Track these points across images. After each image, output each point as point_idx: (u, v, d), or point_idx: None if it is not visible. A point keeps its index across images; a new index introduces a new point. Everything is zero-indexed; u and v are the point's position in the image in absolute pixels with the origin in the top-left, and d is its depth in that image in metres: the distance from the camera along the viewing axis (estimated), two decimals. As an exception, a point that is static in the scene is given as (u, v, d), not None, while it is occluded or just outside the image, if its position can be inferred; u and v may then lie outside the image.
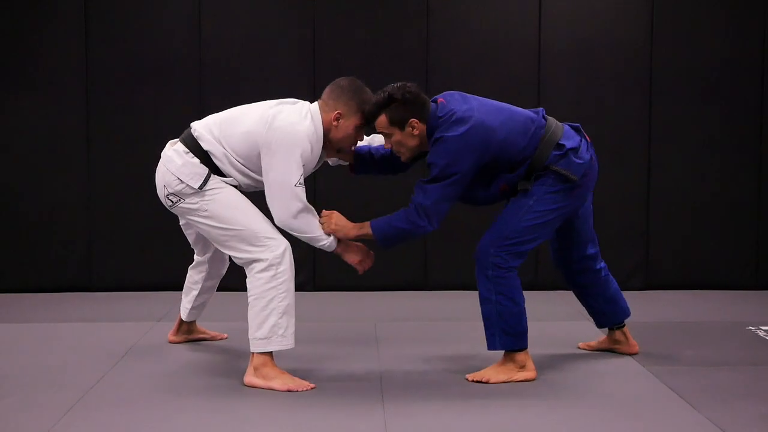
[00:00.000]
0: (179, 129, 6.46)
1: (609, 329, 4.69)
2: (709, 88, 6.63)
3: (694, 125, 6.65)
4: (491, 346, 4.20)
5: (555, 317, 5.70)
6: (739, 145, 6.67)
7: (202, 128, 4.20)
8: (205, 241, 4.56)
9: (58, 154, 6.49)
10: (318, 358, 4.52)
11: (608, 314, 4.62)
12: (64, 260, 6.55)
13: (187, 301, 4.74)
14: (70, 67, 6.46)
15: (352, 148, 4.33)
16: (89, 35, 6.46)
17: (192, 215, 4.17)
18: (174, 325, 4.94)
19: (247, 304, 4.06)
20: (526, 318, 4.24)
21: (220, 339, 4.91)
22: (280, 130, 4.00)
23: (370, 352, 4.66)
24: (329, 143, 4.19)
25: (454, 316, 5.72)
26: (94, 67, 6.47)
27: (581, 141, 4.27)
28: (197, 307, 4.77)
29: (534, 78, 6.60)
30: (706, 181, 6.69)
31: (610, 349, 4.70)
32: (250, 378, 4.04)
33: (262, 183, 4.12)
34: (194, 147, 4.16)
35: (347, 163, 4.48)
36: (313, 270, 6.63)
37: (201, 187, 4.11)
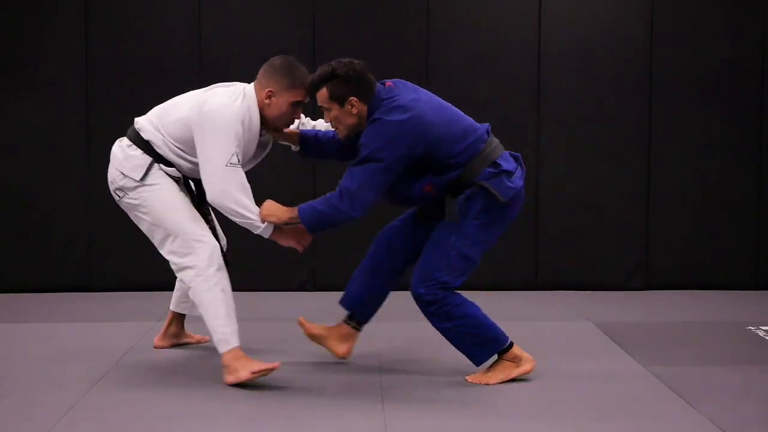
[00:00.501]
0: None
1: (349, 322, 4.41)
2: (709, 88, 6.63)
3: (694, 125, 6.65)
4: (477, 361, 4.18)
5: (554, 317, 5.69)
6: (739, 145, 6.67)
7: (143, 120, 4.30)
8: None
9: (58, 154, 6.49)
10: (318, 358, 4.52)
11: (365, 307, 4.43)
12: (64, 260, 6.55)
13: (176, 289, 4.75)
14: (71, 67, 6.46)
15: (291, 126, 4.33)
16: (89, 35, 6.46)
17: (135, 211, 4.27)
18: (162, 328, 4.86)
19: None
20: (488, 319, 4.19)
21: (204, 342, 4.85)
22: (210, 112, 4.04)
23: (370, 352, 4.66)
24: (266, 122, 4.21)
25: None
26: (94, 67, 6.47)
27: (517, 168, 4.20)
28: (186, 297, 4.70)
29: (534, 78, 6.60)
30: (706, 181, 6.69)
31: (321, 337, 4.40)
32: (226, 378, 4.10)
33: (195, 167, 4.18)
34: (136, 139, 4.26)
35: (296, 148, 4.44)
36: (313, 270, 6.63)
37: (142, 179, 4.18)
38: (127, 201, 4.26)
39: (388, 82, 4.14)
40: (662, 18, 6.59)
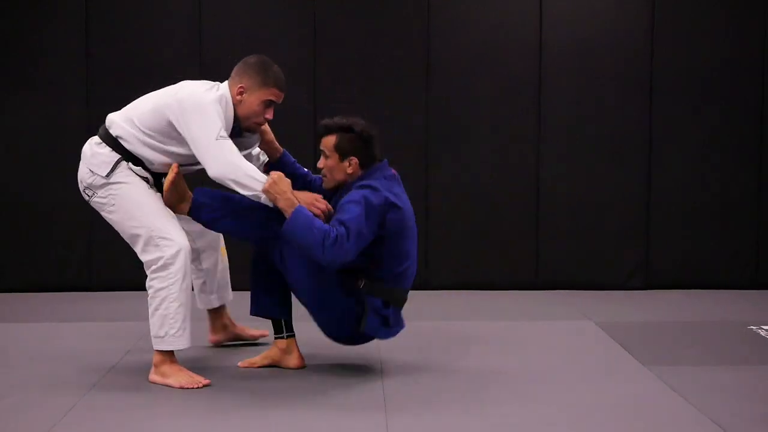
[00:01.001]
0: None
1: (279, 336, 4.37)
2: (709, 88, 6.62)
3: (695, 125, 6.64)
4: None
5: (555, 317, 5.69)
6: (740, 145, 6.66)
7: (114, 115, 4.29)
8: None
9: (58, 154, 6.48)
10: (319, 357, 4.52)
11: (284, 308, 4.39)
12: (64, 260, 6.54)
13: (194, 288, 4.69)
14: (71, 66, 6.46)
15: (261, 127, 4.31)
16: (90, 35, 6.45)
17: (103, 210, 4.24)
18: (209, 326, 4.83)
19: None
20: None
21: (264, 336, 4.81)
22: (187, 95, 4.06)
23: (371, 351, 4.65)
24: (238, 120, 4.17)
25: (454, 315, 5.71)
26: (94, 66, 6.46)
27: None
28: (205, 291, 4.70)
29: (535, 78, 6.59)
30: (707, 181, 6.68)
31: (273, 362, 4.40)
32: (151, 375, 4.11)
33: (176, 156, 4.15)
34: (105, 136, 4.24)
35: (266, 160, 4.49)
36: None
37: (108, 175, 4.15)
38: (96, 200, 4.22)
39: (394, 171, 4.22)
40: (663, 18, 6.59)
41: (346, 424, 3.57)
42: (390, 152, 6.54)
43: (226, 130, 4.07)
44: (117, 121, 4.24)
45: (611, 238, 6.69)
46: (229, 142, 3.99)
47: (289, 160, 4.46)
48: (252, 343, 4.81)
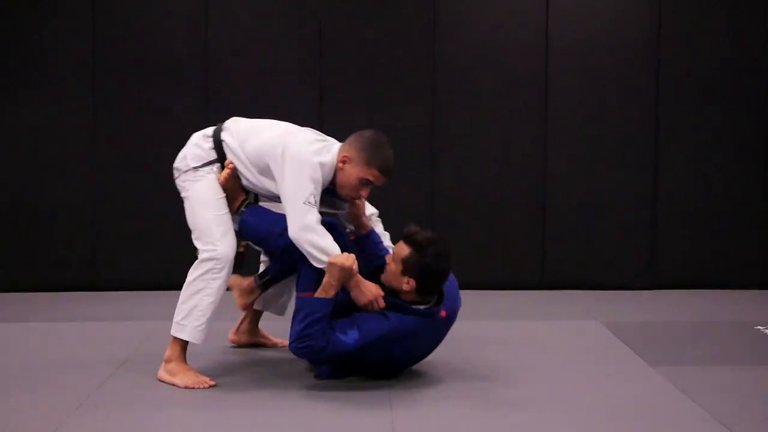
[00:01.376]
0: (184, 128, 6.47)
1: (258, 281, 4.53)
2: (714, 88, 6.61)
3: (699, 125, 6.63)
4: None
5: (561, 317, 5.68)
6: (744, 145, 6.65)
7: (233, 124, 4.28)
8: None
9: (62, 153, 6.49)
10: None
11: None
12: (68, 259, 6.54)
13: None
14: (76, 66, 6.46)
15: (357, 203, 4.27)
16: (95, 35, 6.45)
17: (181, 193, 4.29)
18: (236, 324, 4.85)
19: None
20: None
21: (281, 346, 4.78)
22: (293, 149, 4.00)
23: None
24: (335, 184, 4.13)
25: (459, 315, 5.67)
26: (99, 66, 6.46)
27: None
28: (268, 297, 4.69)
29: (540, 78, 6.58)
30: (712, 181, 6.67)
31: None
32: (159, 372, 4.13)
33: (264, 189, 4.19)
34: (215, 134, 4.26)
35: (351, 231, 4.37)
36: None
37: (196, 168, 4.21)
38: (178, 182, 4.29)
39: (444, 313, 4.15)
40: (668, 18, 6.58)
41: (352, 423, 3.56)
42: (395, 152, 6.57)
43: (323, 185, 4.03)
44: (231, 130, 4.24)
45: (617, 237, 6.68)
46: (314, 211, 3.95)
47: (374, 240, 4.36)
48: (268, 348, 4.82)
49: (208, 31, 6.50)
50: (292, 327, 3.93)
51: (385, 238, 4.53)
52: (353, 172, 4.04)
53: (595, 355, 4.70)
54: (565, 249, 6.66)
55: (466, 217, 6.64)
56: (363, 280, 4.00)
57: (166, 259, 6.47)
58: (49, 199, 6.51)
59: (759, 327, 5.33)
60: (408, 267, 3.94)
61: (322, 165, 4.01)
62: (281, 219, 4.05)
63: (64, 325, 5.44)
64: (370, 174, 4.04)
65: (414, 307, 4.00)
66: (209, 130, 4.30)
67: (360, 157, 4.02)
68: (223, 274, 4.10)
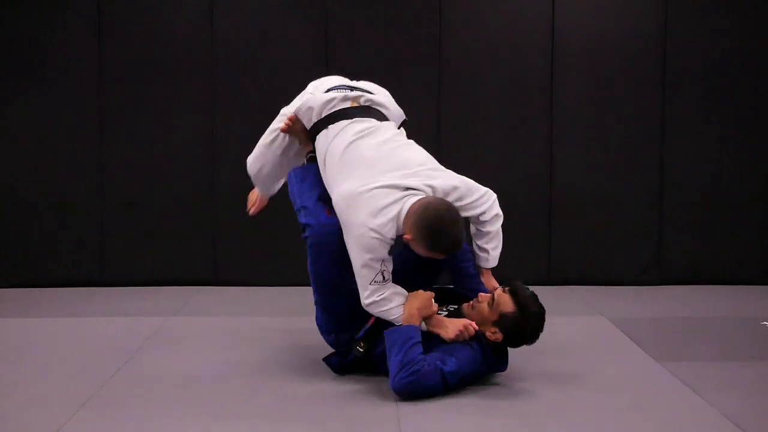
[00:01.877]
0: (191, 124, 6.53)
1: None
2: (722, 83, 6.59)
3: (707, 121, 6.62)
4: None
5: (567, 312, 5.68)
6: (753, 140, 6.63)
7: (335, 127, 4.20)
8: None
9: (70, 150, 6.50)
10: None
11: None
12: (77, 255, 6.56)
13: None
14: (83, 62, 6.47)
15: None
16: (102, 32, 6.46)
17: None
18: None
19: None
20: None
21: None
22: (353, 225, 3.87)
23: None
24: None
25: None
26: (106, 63, 6.47)
27: None
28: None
29: (547, 74, 6.57)
30: (719, 177, 6.65)
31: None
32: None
33: None
34: (315, 127, 4.27)
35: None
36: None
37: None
38: None
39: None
40: (676, 13, 6.56)
41: (357, 414, 3.57)
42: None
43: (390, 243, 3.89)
44: (320, 141, 4.22)
45: (623, 233, 6.67)
46: (381, 289, 3.88)
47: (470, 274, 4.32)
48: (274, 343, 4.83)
49: (214, 26, 6.50)
50: (390, 366, 3.81)
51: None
52: (419, 250, 3.88)
53: (601, 351, 4.70)
54: (572, 245, 6.66)
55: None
56: (443, 318, 3.98)
57: (176, 255, 6.49)
58: (58, 196, 6.52)
59: (765, 323, 5.33)
60: (505, 322, 3.92)
61: (386, 228, 3.83)
62: (307, 194, 4.10)
63: (72, 320, 5.45)
64: (435, 255, 3.89)
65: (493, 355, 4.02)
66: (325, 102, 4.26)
67: (422, 243, 3.83)
68: None
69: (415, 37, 6.57)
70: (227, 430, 3.48)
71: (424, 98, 6.57)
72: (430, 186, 3.96)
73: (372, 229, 3.80)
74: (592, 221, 6.65)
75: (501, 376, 4.16)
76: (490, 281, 4.25)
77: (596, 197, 6.64)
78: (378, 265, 3.85)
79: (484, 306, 3.97)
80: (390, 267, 3.88)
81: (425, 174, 4.02)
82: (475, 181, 6.66)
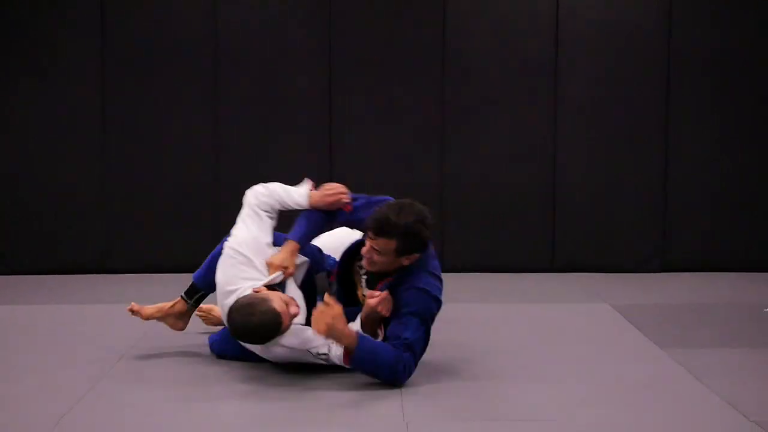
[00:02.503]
0: (193, 114, 6.53)
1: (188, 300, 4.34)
2: (726, 70, 6.58)
3: (712, 108, 6.61)
4: None
5: (571, 299, 5.68)
6: (757, 127, 6.63)
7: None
8: None
9: (74, 138, 6.51)
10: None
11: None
12: (81, 242, 6.57)
13: None
14: (86, 52, 6.47)
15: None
16: (105, 21, 6.46)
17: None
18: None
19: None
20: None
21: None
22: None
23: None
24: None
25: (470, 298, 5.70)
26: (108, 51, 6.47)
27: None
28: None
29: (551, 61, 6.56)
30: (724, 163, 6.65)
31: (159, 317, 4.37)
32: None
33: None
34: None
35: None
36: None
37: None
38: None
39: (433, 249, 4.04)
40: (681, 2, 6.54)
41: (365, 401, 3.58)
42: (406, 137, 6.58)
43: None
44: None
45: (628, 220, 6.67)
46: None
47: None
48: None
49: (218, 16, 6.49)
50: (381, 377, 3.76)
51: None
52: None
53: (605, 338, 4.70)
54: (576, 232, 6.65)
55: (476, 201, 6.63)
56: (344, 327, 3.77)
57: (179, 242, 6.50)
58: (62, 184, 6.53)
59: (769, 309, 5.33)
60: (405, 250, 3.80)
61: None
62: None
63: (76, 307, 5.46)
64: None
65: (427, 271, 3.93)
66: None
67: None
68: None
69: (419, 26, 6.55)
70: (234, 411, 3.49)
71: (428, 85, 6.56)
72: None
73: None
74: (596, 209, 6.64)
75: (503, 362, 4.14)
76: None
77: (600, 185, 6.63)
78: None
79: (374, 257, 3.82)
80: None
81: None
82: (480, 168, 6.65)
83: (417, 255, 3.85)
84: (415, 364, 3.79)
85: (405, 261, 3.85)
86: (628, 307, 5.37)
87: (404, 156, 6.59)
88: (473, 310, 5.36)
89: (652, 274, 6.58)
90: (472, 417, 3.39)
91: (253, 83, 6.50)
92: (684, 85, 6.58)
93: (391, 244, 3.78)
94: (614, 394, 3.72)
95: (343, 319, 3.70)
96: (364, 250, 3.90)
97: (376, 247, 3.81)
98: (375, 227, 3.79)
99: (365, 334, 3.81)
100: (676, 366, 4.11)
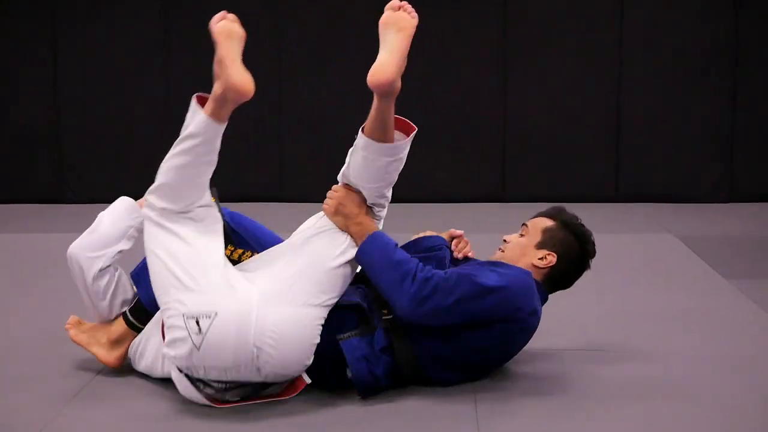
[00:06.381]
0: (258, 42, 6.51)
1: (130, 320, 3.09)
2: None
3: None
4: None
5: (635, 230, 5.64)
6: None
7: None
8: None
9: (136, 71, 6.59)
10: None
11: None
12: (147, 172, 6.66)
13: None
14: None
15: None
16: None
17: None
18: None
19: None
20: None
21: None
22: None
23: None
24: None
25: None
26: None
27: None
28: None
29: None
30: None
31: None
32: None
33: None
34: None
35: None
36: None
37: None
38: None
39: None
40: None
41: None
42: (468, 64, 6.52)
43: None
44: None
45: (695, 149, 6.57)
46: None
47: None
48: None
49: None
50: (388, 292, 2.84)
51: None
52: None
53: (668, 269, 4.67)
54: (641, 161, 6.58)
55: (541, 129, 6.58)
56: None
57: (241, 172, 6.57)
58: (126, 116, 6.64)
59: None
60: (553, 235, 3.05)
61: None
62: None
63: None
64: None
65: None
66: None
67: None
68: None
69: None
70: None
71: (491, 21, 6.49)
72: None
73: None
74: (662, 137, 6.56)
75: (564, 291, 4.12)
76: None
77: (666, 113, 6.53)
78: None
79: (515, 238, 3.11)
80: None
81: None
82: (544, 93, 6.57)
83: (555, 258, 3.02)
84: (446, 298, 2.79)
85: (538, 260, 3.02)
86: (693, 237, 5.32)
87: (467, 86, 6.54)
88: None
89: (718, 204, 6.49)
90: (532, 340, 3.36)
91: (317, 11, 6.49)
92: (754, 12, 6.42)
93: (547, 221, 3.10)
94: (678, 324, 3.71)
95: (356, 201, 2.94)
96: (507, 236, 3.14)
97: (527, 223, 3.12)
98: (543, 212, 3.16)
99: (378, 233, 2.92)
100: (740, 296, 4.07)
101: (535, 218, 3.15)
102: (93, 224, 3.13)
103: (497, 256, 3.11)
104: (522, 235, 3.10)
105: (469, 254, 3.20)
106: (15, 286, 4.35)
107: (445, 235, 3.24)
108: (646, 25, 6.48)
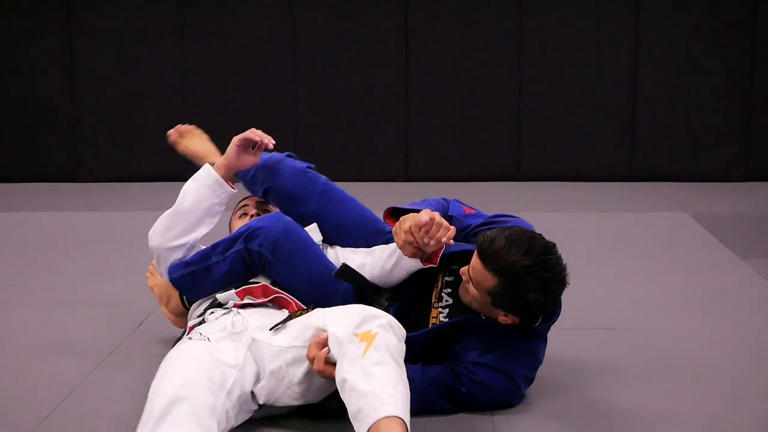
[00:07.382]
0: (269, 20, 6.53)
1: None
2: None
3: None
4: None
5: (650, 209, 5.63)
6: None
7: None
8: None
9: (152, 49, 6.59)
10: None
11: None
12: (162, 150, 6.68)
13: None
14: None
15: None
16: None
17: None
18: None
19: None
20: None
21: None
22: None
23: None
24: None
25: (546, 207, 5.67)
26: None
27: None
28: None
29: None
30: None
31: None
32: None
33: None
34: None
35: None
36: (406, 158, 6.57)
37: None
38: None
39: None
40: None
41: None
42: (484, 42, 6.50)
43: None
44: None
45: (709, 128, 6.54)
46: None
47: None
48: None
49: None
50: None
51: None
52: None
53: (684, 247, 4.66)
54: (656, 140, 6.55)
55: (554, 107, 6.56)
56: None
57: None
58: (141, 95, 6.63)
59: None
60: (500, 302, 2.60)
61: None
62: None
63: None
64: None
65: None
66: None
67: None
68: None
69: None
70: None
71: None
72: None
73: None
74: (676, 116, 6.52)
75: (579, 269, 4.12)
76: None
77: (682, 91, 6.50)
78: None
79: (470, 287, 2.64)
80: None
81: None
82: (558, 71, 6.56)
83: (518, 319, 2.63)
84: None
85: (502, 317, 2.64)
86: (708, 216, 5.30)
87: (481, 65, 6.52)
88: (547, 219, 5.33)
89: (733, 183, 6.47)
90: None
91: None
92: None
93: (490, 280, 2.58)
94: (693, 302, 3.71)
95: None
96: (463, 269, 2.69)
97: (471, 273, 2.62)
98: (481, 245, 2.58)
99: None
100: (754, 275, 4.07)
101: (476, 267, 2.58)
102: (176, 202, 2.94)
103: (462, 288, 2.71)
104: (474, 288, 2.61)
105: (450, 242, 2.65)
106: (33, 265, 4.39)
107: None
108: (662, 4, 6.44)
